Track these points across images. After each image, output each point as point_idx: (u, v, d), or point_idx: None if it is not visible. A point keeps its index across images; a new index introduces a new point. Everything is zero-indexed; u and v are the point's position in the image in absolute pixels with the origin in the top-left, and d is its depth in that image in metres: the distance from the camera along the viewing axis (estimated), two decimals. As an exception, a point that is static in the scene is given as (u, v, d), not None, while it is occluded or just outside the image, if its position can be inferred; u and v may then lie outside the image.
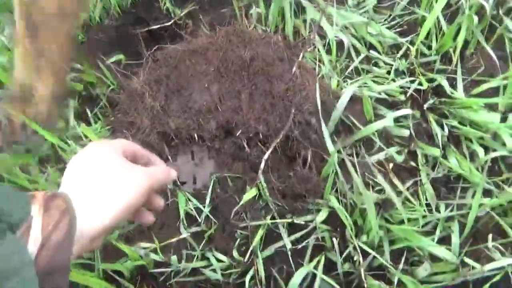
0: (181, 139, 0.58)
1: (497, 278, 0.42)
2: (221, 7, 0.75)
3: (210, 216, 0.53)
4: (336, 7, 0.71)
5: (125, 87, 0.61)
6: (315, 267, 0.49)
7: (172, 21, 0.72)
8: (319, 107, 0.54)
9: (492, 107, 0.60)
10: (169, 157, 0.57)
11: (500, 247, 0.45)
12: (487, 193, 0.52)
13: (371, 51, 0.69)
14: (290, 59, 0.58)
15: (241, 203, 0.51)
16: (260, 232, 0.52)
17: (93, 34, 0.73)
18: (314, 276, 0.48)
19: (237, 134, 0.57)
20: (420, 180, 0.55)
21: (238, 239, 0.52)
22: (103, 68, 0.64)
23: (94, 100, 0.66)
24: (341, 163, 0.52)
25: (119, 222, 0.30)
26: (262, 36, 0.59)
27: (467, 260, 0.45)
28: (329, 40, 0.66)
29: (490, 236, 0.46)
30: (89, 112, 0.63)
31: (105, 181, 0.30)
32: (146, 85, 0.57)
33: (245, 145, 0.57)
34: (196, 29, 0.67)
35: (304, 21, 0.71)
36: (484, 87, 0.62)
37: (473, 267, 0.44)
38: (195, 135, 0.57)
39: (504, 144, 0.53)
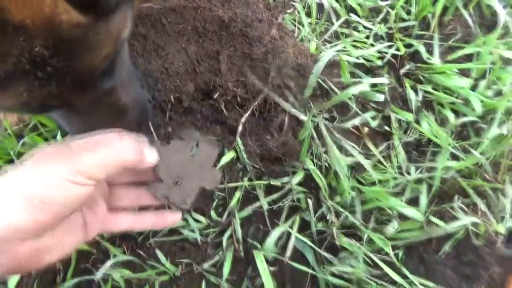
0: (158, 101, 0.57)
1: (459, 235, 0.45)
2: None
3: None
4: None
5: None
6: (291, 227, 0.51)
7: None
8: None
9: (465, 73, 0.62)
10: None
11: (463, 206, 0.48)
12: (455, 156, 0.54)
13: (351, 14, 0.69)
14: (269, 21, 0.57)
15: (219, 166, 0.52)
16: (238, 194, 0.53)
17: None
18: (289, 235, 0.50)
19: (215, 97, 0.56)
20: (393, 143, 0.57)
21: (216, 200, 0.53)
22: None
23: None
24: (317, 127, 0.52)
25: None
26: (241, -5, 0.57)
27: (433, 219, 0.47)
28: (308, 2, 0.65)
29: (455, 197, 0.48)
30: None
31: None
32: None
33: (223, 108, 0.57)
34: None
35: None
36: (459, 53, 0.63)
37: (438, 225, 0.46)
38: (172, 97, 0.57)
39: (473, 110, 0.55)
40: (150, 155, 0.35)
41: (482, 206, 0.47)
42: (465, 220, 0.44)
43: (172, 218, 0.40)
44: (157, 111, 0.58)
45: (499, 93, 0.58)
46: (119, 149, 0.30)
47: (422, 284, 0.44)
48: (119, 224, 0.37)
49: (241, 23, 0.55)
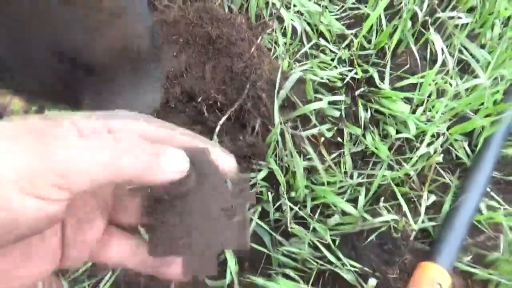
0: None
1: (383, 229, 0.57)
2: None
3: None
4: (296, -6, 0.81)
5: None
6: (253, 214, 0.61)
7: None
8: (271, 85, 0.65)
9: (409, 100, 0.75)
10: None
11: (388, 207, 0.60)
12: (391, 167, 0.67)
13: (320, 38, 0.80)
14: (250, 40, 0.68)
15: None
16: (211, 184, 0.63)
17: None
18: (251, 221, 0.61)
19: (199, 100, 0.66)
20: (343, 152, 0.69)
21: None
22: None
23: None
24: (282, 133, 0.63)
25: None
26: (228, 16, 0.67)
27: (366, 215, 0.59)
28: (285, 25, 0.76)
29: (382, 199, 0.61)
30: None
31: None
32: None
33: (205, 111, 0.67)
34: (170, 2, 0.73)
35: (267, 3, 0.79)
36: (405, 82, 0.76)
37: (368, 220, 0.58)
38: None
39: (409, 130, 0.68)
40: (173, 162, 0.22)
41: (404, 208, 0.59)
42: (388, 217, 0.57)
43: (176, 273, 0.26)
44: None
45: (431, 119, 0.71)
46: (116, 149, 0.19)
47: (351, 265, 0.56)
48: (110, 254, 0.25)
49: (226, 40, 0.65)
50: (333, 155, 0.69)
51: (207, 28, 0.65)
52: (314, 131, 0.67)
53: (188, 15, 0.65)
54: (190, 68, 0.66)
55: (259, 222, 0.61)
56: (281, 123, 0.62)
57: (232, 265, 0.58)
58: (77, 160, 0.18)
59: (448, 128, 0.71)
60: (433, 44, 0.81)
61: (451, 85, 0.73)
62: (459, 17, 0.83)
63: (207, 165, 0.25)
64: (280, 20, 0.79)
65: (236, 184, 0.27)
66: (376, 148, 0.66)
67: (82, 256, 0.24)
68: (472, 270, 0.59)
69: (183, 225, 0.24)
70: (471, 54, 0.82)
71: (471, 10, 0.89)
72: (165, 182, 0.21)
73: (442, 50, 0.78)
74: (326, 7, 0.85)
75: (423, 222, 0.61)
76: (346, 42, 0.82)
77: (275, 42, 0.75)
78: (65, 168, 0.18)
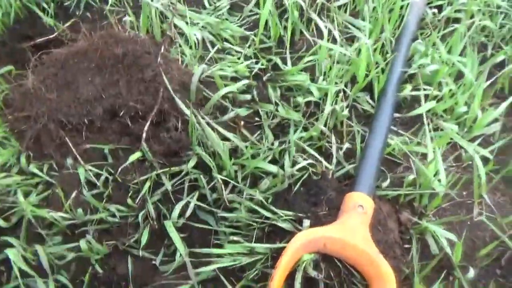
0: (74, 125, 0.71)
1: (305, 177, 0.64)
2: (101, 20, 0.91)
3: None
4: (194, 11, 0.91)
5: (18, 89, 0.73)
6: (191, 199, 0.66)
7: (56, 33, 0.85)
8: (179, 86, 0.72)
9: (311, 74, 0.84)
10: (67, 140, 0.70)
11: (306, 157, 0.67)
12: (307, 129, 0.74)
13: (225, 43, 0.90)
14: (155, 52, 0.75)
15: (127, 162, 0.66)
16: (148, 183, 0.67)
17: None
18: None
19: (121, 115, 0.72)
20: (263, 129, 0.76)
21: (131, 192, 0.67)
22: (-4, 77, 0.75)
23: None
24: (200, 124, 0.70)
25: None
26: (131, 36, 0.75)
27: (289, 170, 0.65)
28: (187, 36, 0.84)
29: (298, 153, 0.68)
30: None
31: None
32: (37, 83, 0.69)
33: (129, 122, 0.72)
34: (77, 37, 0.80)
35: (162, 21, 0.89)
36: (304, 60, 0.86)
37: (293, 175, 0.65)
38: (86, 120, 0.71)
39: (313, 95, 0.77)
40: None
41: (317, 155, 0.67)
42: (303, 162, 0.64)
43: None
44: (74, 133, 0.71)
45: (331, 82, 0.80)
46: None
47: (286, 215, 0.61)
48: None
49: (132, 56, 0.72)
50: (255, 135, 0.76)
51: (114, 49, 0.73)
52: (231, 114, 0.74)
53: (94, 42, 0.72)
54: (106, 88, 0.72)
55: (199, 203, 0.65)
56: (194, 114, 0.69)
57: (180, 247, 0.61)
58: None
59: (351, 90, 0.81)
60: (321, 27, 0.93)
61: (341, 52, 0.83)
62: (336, 0, 0.96)
63: None
64: (182, 34, 0.88)
65: None
66: (288, 115, 0.74)
67: None
68: (395, 192, 0.66)
69: None
70: (355, 27, 0.94)
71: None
72: None
73: (328, 28, 0.89)
74: (227, 19, 0.96)
75: (339, 164, 0.69)
76: (249, 41, 0.92)
77: (182, 53, 0.84)
78: None
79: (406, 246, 0.65)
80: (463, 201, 0.70)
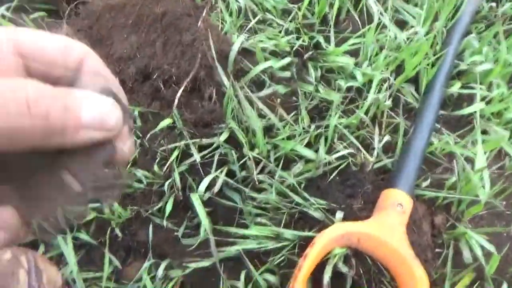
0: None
1: (343, 166, 0.60)
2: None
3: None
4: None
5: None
6: (220, 174, 0.63)
7: (92, -17, 0.81)
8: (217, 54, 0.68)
9: (354, 56, 0.79)
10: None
11: (346, 145, 0.63)
12: (346, 115, 0.70)
13: (266, 13, 0.85)
14: (196, 16, 0.71)
15: (157, 128, 0.63)
16: (176, 152, 0.64)
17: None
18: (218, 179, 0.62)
19: (154, 77, 0.68)
20: (300, 111, 0.72)
21: (158, 158, 0.64)
22: (28, 22, 0.71)
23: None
24: (238, 97, 0.66)
25: None
26: (172, -5, 0.70)
27: (327, 158, 0.62)
28: (229, 2, 0.80)
29: (337, 140, 0.64)
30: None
31: None
32: (71, 35, 0.66)
33: (161, 86, 0.69)
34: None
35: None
36: (349, 42, 0.81)
37: (330, 162, 0.61)
38: (118, 79, 0.68)
39: (357, 80, 0.72)
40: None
41: (357, 144, 0.63)
42: (344, 151, 0.60)
43: None
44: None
45: (376, 69, 0.76)
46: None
47: (318, 203, 0.58)
48: None
49: (172, 16, 0.68)
50: (291, 114, 0.72)
51: (153, 8, 0.68)
52: (269, 90, 0.70)
53: (133, -3, 0.68)
54: (141, 47, 0.68)
55: (226, 178, 0.62)
56: (233, 86, 0.65)
57: (205, 222, 0.59)
58: None
59: (396, 79, 0.76)
60: (371, 7, 0.87)
61: (390, 37, 0.78)
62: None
63: None
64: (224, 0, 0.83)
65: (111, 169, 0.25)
66: (329, 96, 0.70)
67: None
68: (434, 194, 0.62)
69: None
70: (408, 13, 0.88)
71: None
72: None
73: (380, 12, 0.83)
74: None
75: (378, 156, 0.65)
76: (291, 15, 0.86)
77: (222, 20, 0.79)
78: None
79: (437, 250, 0.62)
80: (503, 211, 0.66)
